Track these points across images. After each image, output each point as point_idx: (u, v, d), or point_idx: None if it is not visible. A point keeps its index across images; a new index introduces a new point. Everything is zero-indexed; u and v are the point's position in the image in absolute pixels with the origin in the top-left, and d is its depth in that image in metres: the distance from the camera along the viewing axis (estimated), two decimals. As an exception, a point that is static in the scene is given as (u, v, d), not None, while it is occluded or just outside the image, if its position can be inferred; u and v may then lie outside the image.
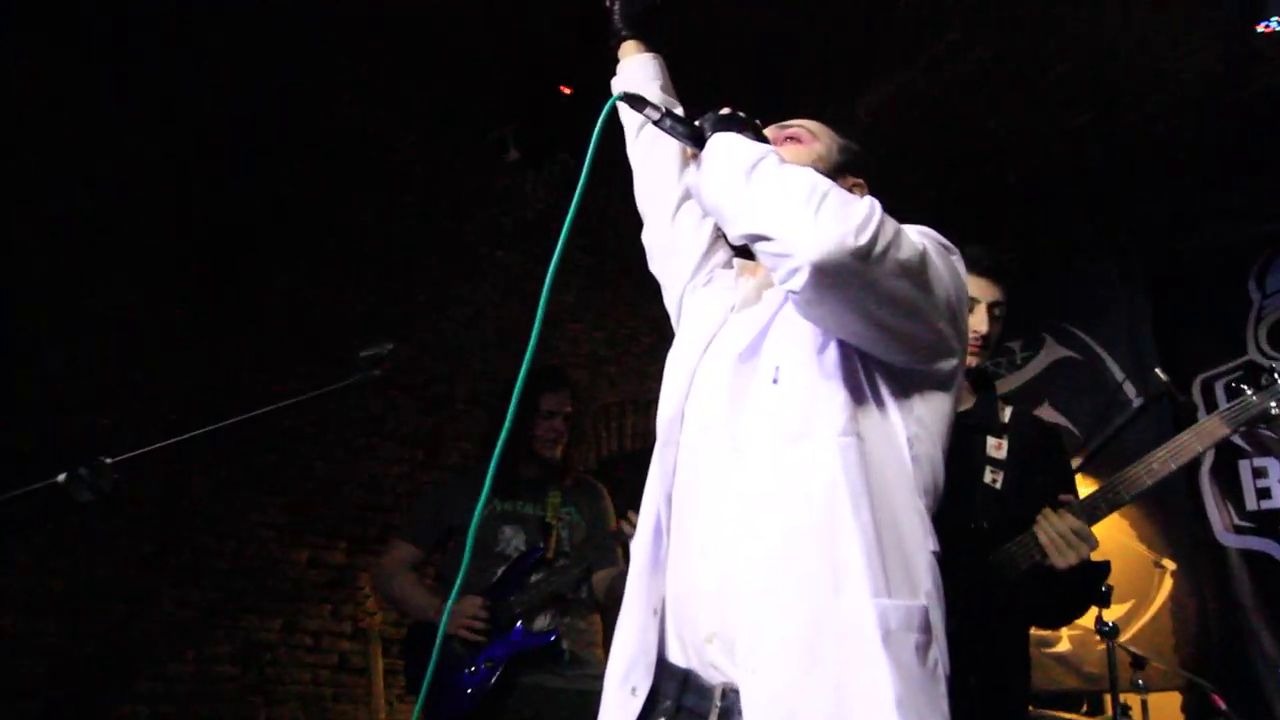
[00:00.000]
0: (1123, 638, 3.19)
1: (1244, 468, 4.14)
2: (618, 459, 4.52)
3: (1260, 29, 3.37)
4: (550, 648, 2.65)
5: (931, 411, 1.27)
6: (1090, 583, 1.93)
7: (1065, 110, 4.07)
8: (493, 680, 2.63)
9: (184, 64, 3.04)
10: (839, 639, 1.11)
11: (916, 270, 1.17)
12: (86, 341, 3.29)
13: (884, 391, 1.25)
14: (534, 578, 2.72)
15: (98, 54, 2.94)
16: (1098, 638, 3.63)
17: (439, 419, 4.12)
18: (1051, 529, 1.79)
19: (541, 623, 2.70)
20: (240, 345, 3.60)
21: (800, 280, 1.12)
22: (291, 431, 3.70)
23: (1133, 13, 3.51)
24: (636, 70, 1.68)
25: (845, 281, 1.12)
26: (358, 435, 3.92)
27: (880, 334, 1.20)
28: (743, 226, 1.19)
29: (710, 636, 1.20)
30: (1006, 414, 2.08)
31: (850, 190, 1.38)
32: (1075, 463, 4.78)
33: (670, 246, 1.61)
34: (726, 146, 1.25)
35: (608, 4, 1.72)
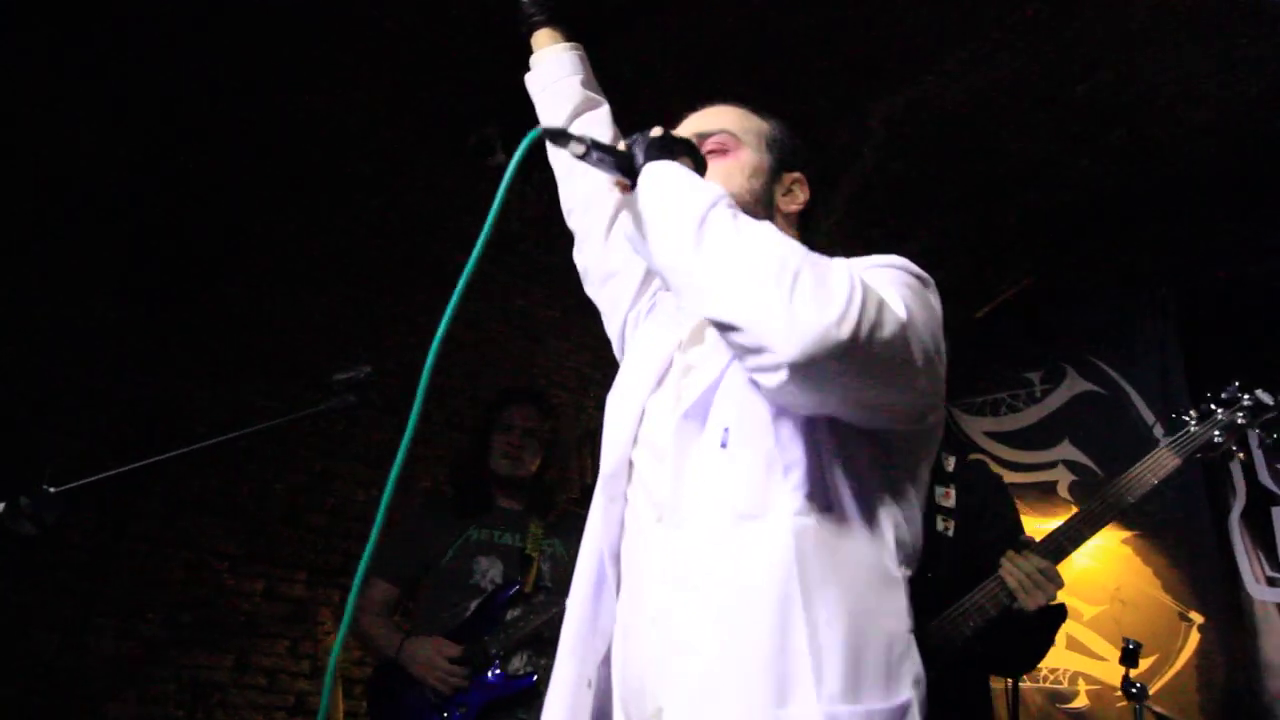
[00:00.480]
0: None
1: (1277, 515, 4.08)
2: None
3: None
4: (528, 692, 2.61)
5: (911, 469, 1.22)
6: (1054, 624, 1.99)
7: (1093, 129, 4.04)
8: None
9: (140, 68, 2.99)
10: None
11: (900, 343, 1.09)
12: (30, 353, 3.22)
13: (856, 456, 1.17)
14: (510, 614, 2.69)
15: (49, 56, 2.88)
16: (1117, 694, 3.55)
17: (412, 440, 4.02)
18: (1019, 571, 1.86)
19: (518, 664, 2.66)
20: (194, 358, 3.53)
21: (777, 378, 1.05)
22: (248, 452, 3.63)
23: (1167, 29, 3.47)
24: (553, 65, 1.63)
25: (831, 378, 1.05)
26: (321, 457, 3.85)
27: (860, 412, 1.14)
28: (701, 306, 1.11)
29: (657, 713, 1.15)
30: (951, 463, 2.17)
31: (790, 189, 1.39)
32: (1096, 503, 4.71)
33: (606, 269, 1.55)
34: (663, 187, 1.17)
35: None
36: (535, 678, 2.62)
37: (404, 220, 3.65)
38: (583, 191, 1.55)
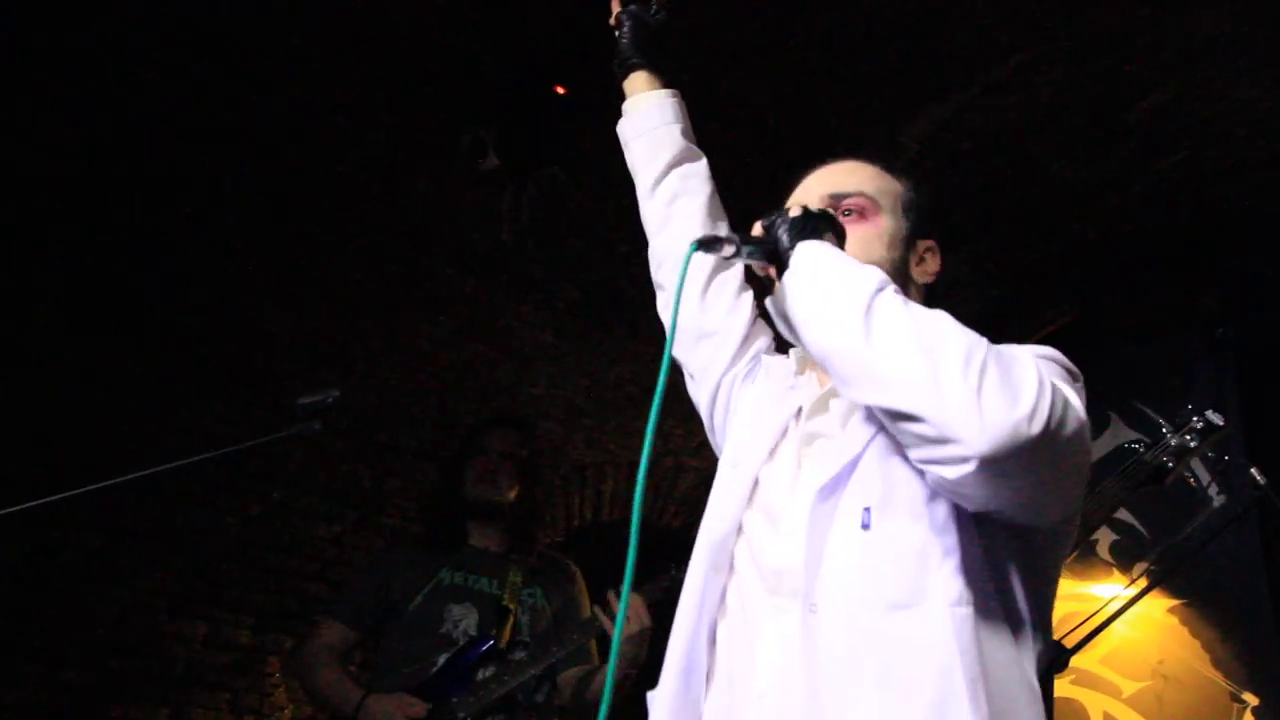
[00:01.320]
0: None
1: None
2: (590, 530, 4.40)
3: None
4: None
5: (1054, 557, 1.27)
6: None
7: (1147, 154, 4.00)
8: None
9: (110, 62, 2.97)
10: None
11: (1079, 442, 1.15)
12: None
13: (1001, 545, 1.22)
14: (483, 674, 2.63)
15: (20, 49, 2.86)
16: None
17: (378, 471, 4.07)
18: None
19: None
20: (145, 377, 3.51)
21: (962, 471, 1.09)
22: (198, 479, 3.62)
23: (1231, 51, 3.43)
24: (653, 112, 1.66)
25: (1014, 473, 1.10)
26: (278, 486, 3.83)
27: (1025, 509, 1.18)
28: (873, 398, 1.15)
29: None
30: None
31: (923, 258, 1.45)
32: (1140, 568, 4.57)
33: (702, 329, 1.57)
34: (820, 268, 1.22)
35: (614, 27, 1.70)
36: None
37: (383, 230, 3.65)
38: (675, 248, 1.58)
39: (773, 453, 1.38)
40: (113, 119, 3.14)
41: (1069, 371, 1.26)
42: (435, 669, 2.63)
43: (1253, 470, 2.33)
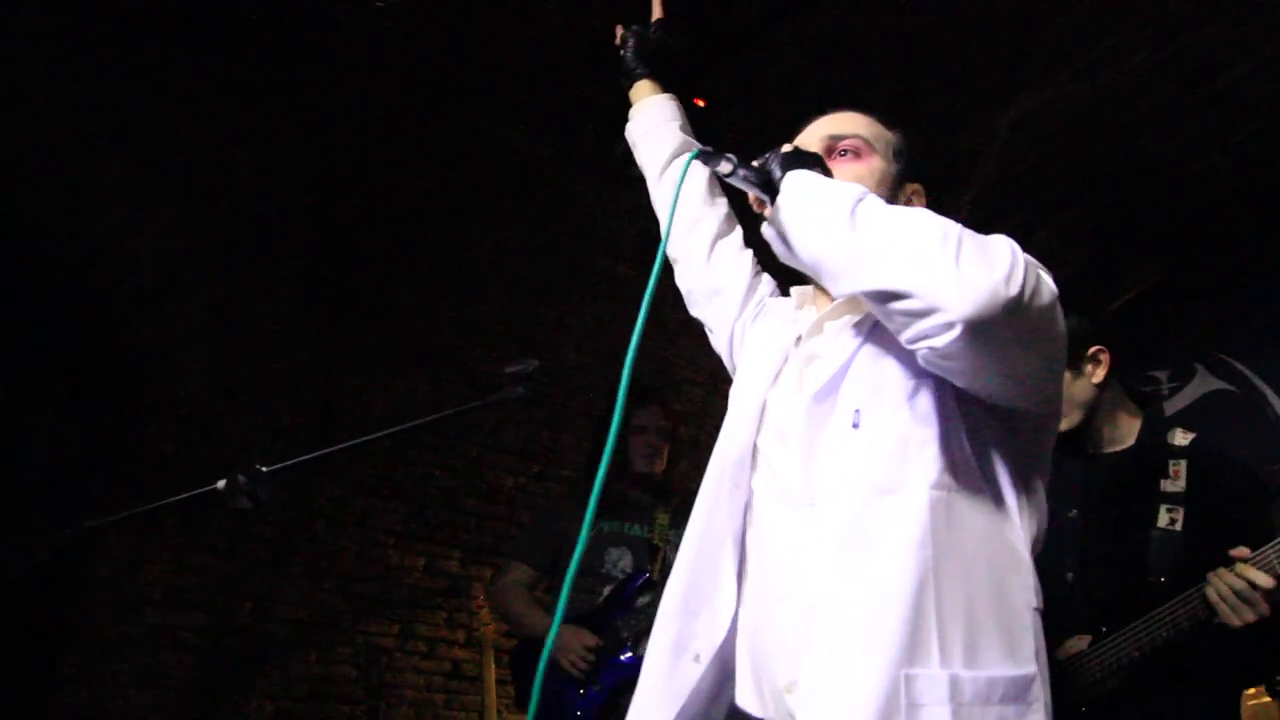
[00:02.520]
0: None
1: None
2: None
3: None
4: None
5: (1039, 447, 1.22)
6: (1268, 637, 1.66)
7: (1228, 124, 3.82)
8: (600, 704, 2.64)
9: (320, 79, 3.10)
10: (910, 710, 1.06)
11: (1051, 309, 1.10)
12: (234, 358, 3.40)
13: (985, 433, 1.17)
14: (641, 601, 2.71)
15: (236, 68, 3.02)
16: None
17: (554, 432, 4.13)
18: (1223, 586, 1.60)
19: (643, 650, 2.64)
20: (365, 355, 3.65)
21: (948, 338, 1.04)
22: (411, 442, 3.74)
23: None
24: (654, 112, 1.66)
25: (996, 336, 1.05)
26: (474, 446, 3.93)
27: (1013, 384, 1.14)
28: (864, 282, 1.10)
29: (790, 685, 1.16)
30: (1182, 438, 1.84)
31: (909, 200, 1.38)
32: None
33: (711, 286, 1.56)
34: (808, 189, 1.18)
35: (619, 45, 1.72)
36: None
37: (554, 231, 3.71)
38: (684, 219, 1.57)
39: (776, 377, 1.33)
40: (340, 150, 3.30)
41: (1043, 270, 1.18)
42: (600, 600, 2.74)
43: None
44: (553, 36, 3.09)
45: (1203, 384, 4.40)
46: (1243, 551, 1.64)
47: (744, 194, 1.31)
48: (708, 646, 1.24)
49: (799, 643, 1.15)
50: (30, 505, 3.14)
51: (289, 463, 1.87)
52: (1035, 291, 1.05)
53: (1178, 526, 1.78)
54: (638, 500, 2.86)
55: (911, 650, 1.07)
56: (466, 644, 3.90)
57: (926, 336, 1.06)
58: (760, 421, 1.30)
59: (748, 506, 1.27)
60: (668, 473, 2.90)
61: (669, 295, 4.42)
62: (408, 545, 3.79)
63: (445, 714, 3.82)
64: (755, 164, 1.25)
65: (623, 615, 2.69)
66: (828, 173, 1.25)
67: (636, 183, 3.51)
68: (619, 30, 1.74)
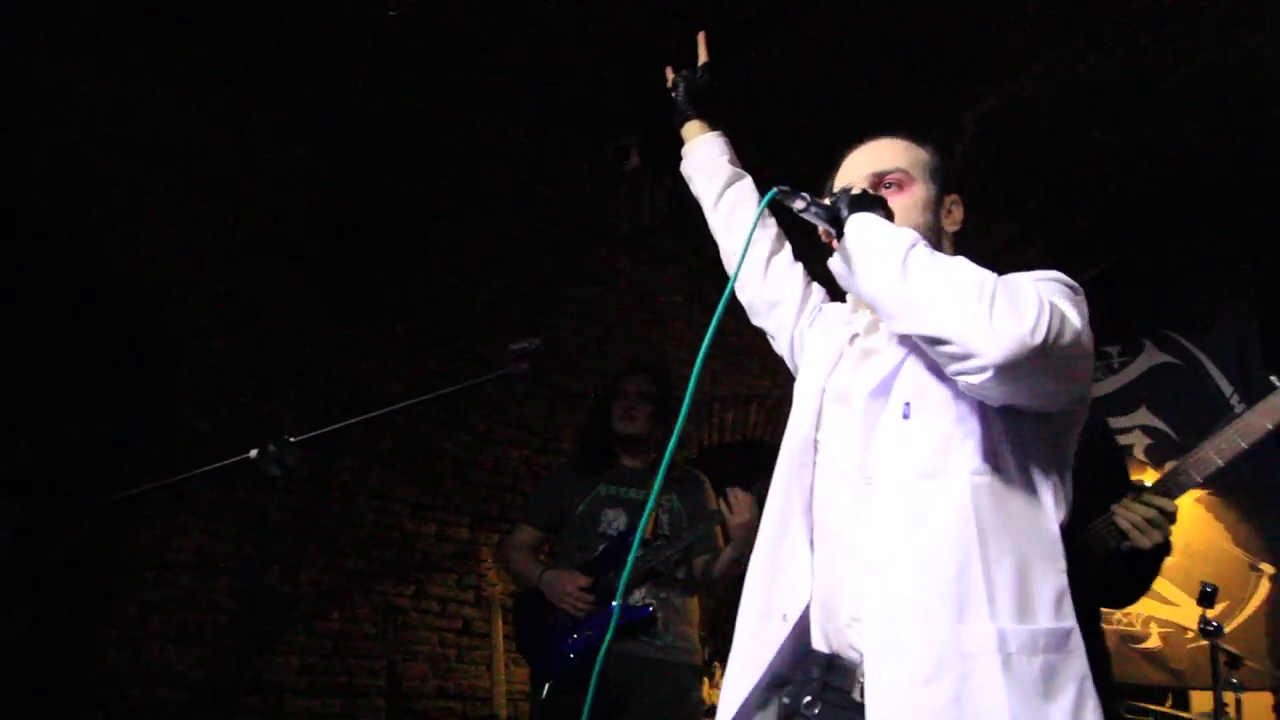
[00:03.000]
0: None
1: None
2: (716, 450, 4.49)
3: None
4: (645, 620, 2.68)
5: (1067, 439, 1.28)
6: (1159, 558, 1.86)
7: (1178, 119, 3.88)
8: (586, 647, 2.70)
9: (334, 83, 3.12)
10: (961, 659, 1.14)
11: (1076, 344, 1.17)
12: (246, 334, 3.43)
13: (1022, 430, 1.25)
14: (631, 557, 2.75)
15: (257, 74, 3.03)
16: (1191, 636, 3.47)
17: (554, 408, 4.16)
18: (1134, 513, 1.77)
19: (637, 597, 2.73)
20: (379, 338, 3.69)
21: (982, 378, 1.14)
22: (424, 416, 3.77)
23: (1252, 26, 3.33)
24: (705, 149, 1.72)
25: (1025, 375, 1.14)
26: (482, 421, 3.98)
27: (1043, 400, 1.22)
28: (912, 326, 1.20)
29: (850, 621, 1.25)
30: None
31: (950, 210, 1.45)
32: (1169, 466, 4.57)
33: (769, 299, 1.61)
34: (869, 233, 1.26)
35: (670, 88, 1.76)
36: (651, 608, 2.69)
37: (553, 223, 3.74)
38: (740, 243, 1.59)
39: (835, 367, 1.41)
40: (354, 149, 3.32)
41: (1069, 287, 1.27)
42: (596, 555, 2.78)
43: (1272, 378, 2.17)
44: (552, 39, 3.12)
45: (1150, 358, 4.51)
46: (1141, 480, 1.84)
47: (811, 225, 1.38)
48: (793, 606, 1.32)
49: (861, 589, 1.24)
50: (69, 484, 3.18)
51: (314, 434, 1.92)
52: (1059, 333, 1.13)
53: None
54: (633, 466, 2.92)
55: (962, 609, 1.16)
56: (475, 603, 3.97)
57: (964, 374, 1.16)
58: (820, 411, 1.38)
59: (813, 485, 1.36)
60: (652, 434, 2.92)
61: (661, 278, 4.43)
62: (421, 514, 3.84)
63: (457, 667, 3.91)
64: (826, 202, 1.33)
65: (614, 569, 2.74)
66: (889, 213, 1.32)
67: (629, 179, 3.58)
68: (669, 74, 1.79)
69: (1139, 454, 4.44)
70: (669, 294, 4.09)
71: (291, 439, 1.77)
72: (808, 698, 1.28)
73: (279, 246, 3.40)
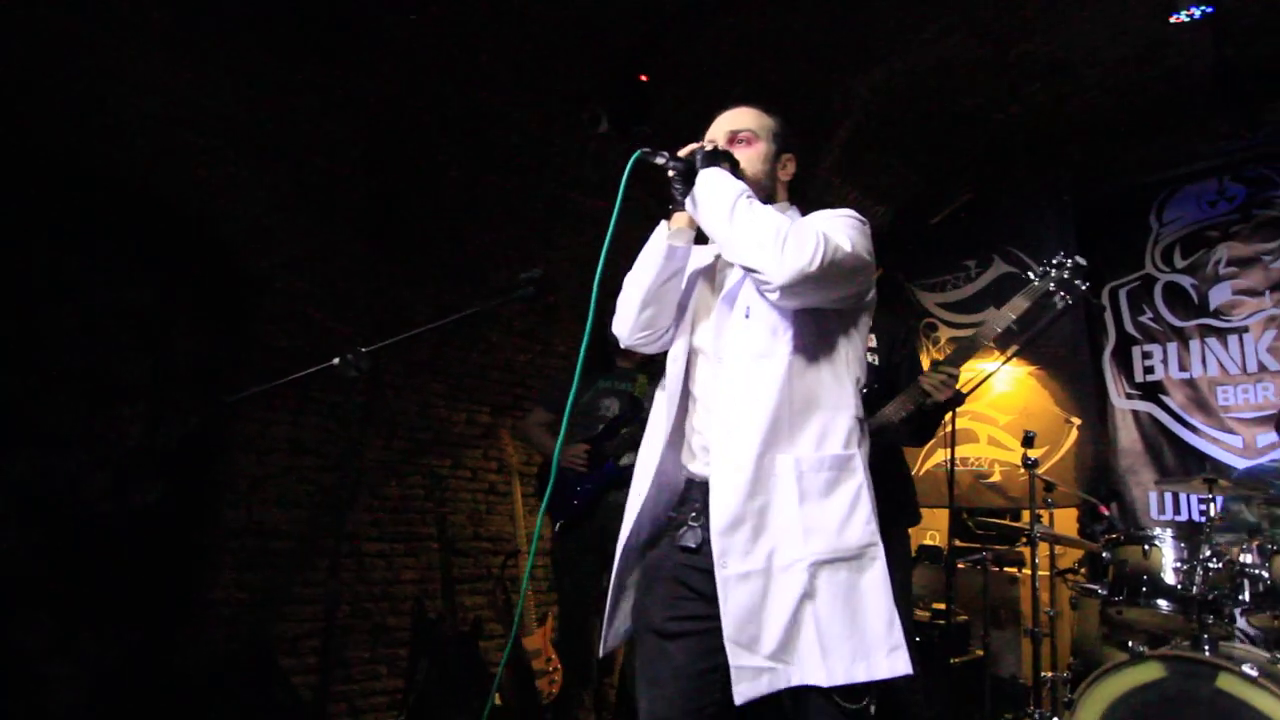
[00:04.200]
0: (1039, 471, 3.60)
1: (1135, 351, 4.47)
2: None
3: (1172, 20, 3.57)
4: (627, 477, 3.00)
5: (856, 328, 1.49)
6: (950, 407, 2.29)
7: (1021, 83, 4.20)
8: (592, 494, 3.00)
9: (369, 68, 3.22)
10: (769, 477, 1.37)
11: (852, 262, 1.39)
12: (312, 271, 3.61)
13: (823, 319, 1.45)
14: (624, 431, 3.03)
15: (307, 60, 3.12)
16: (1021, 471, 4.11)
17: (549, 324, 4.39)
18: (934, 378, 2.18)
19: (628, 459, 2.98)
20: (411, 272, 3.83)
21: (774, 296, 1.37)
22: (451, 332, 3.95)
23: (1077, 7, 3.63)
24: (682, 256, 1.56)
25: (805, 293, 1.37)
26: (495, 334, 4.19)
27: (829, 303, 1.45)
28: (734, 257, 1.40)
29: (703, 449, 1.49)
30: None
31: (785, 165, 1.57)
32: (1011, 350, 5.11)
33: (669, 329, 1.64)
34: (713, 184, 1.40)
35: (666, 167, 1.51)
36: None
37: (542, 177, 3.89)
38: (663, 328, 1.61)
39: (703, 288, 1.58)
40: (386, 122, 3.45)
41: (858, 219, 1.44)
42: (597, 432, 3.06)
43: (1077, 281, 2.31)
44: (537, 28, 3.28)
45: (997, 269, 4.90)
46: (936, 359, 2.27)
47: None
48: (655, 441, 1.55)
49: (715, 439, 1.44)
50: (180, 390, 3.38)
51: (380, 344, 2.10)
52: (832, 261, 1.32)
53: (876, 361, 2.41)
54: (626, 367, 3.16)
55: (772, 442, 1.37)
56: (498, 471, 4.22)
57: (765, 292, 1.38)
58: (694, 318, 1.56)
59: (688, 369, 1.54)
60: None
61: (629, 228, 4.72)
62: (453, 404, 4.06)
63: (487, 518, 4.22)
64: (682, 154, 1.46)
65: (610, 440, 3.04)
66: (735, 164, 1.48)
67: (599, 139, 3.81)
68: (661, 158, 1.52)
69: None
70: (633, 228, 4.36)
71: (364, 349, 1.93)
72: (692, 513, 1.46)
73: (335, 204, 3.54)
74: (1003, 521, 4.26)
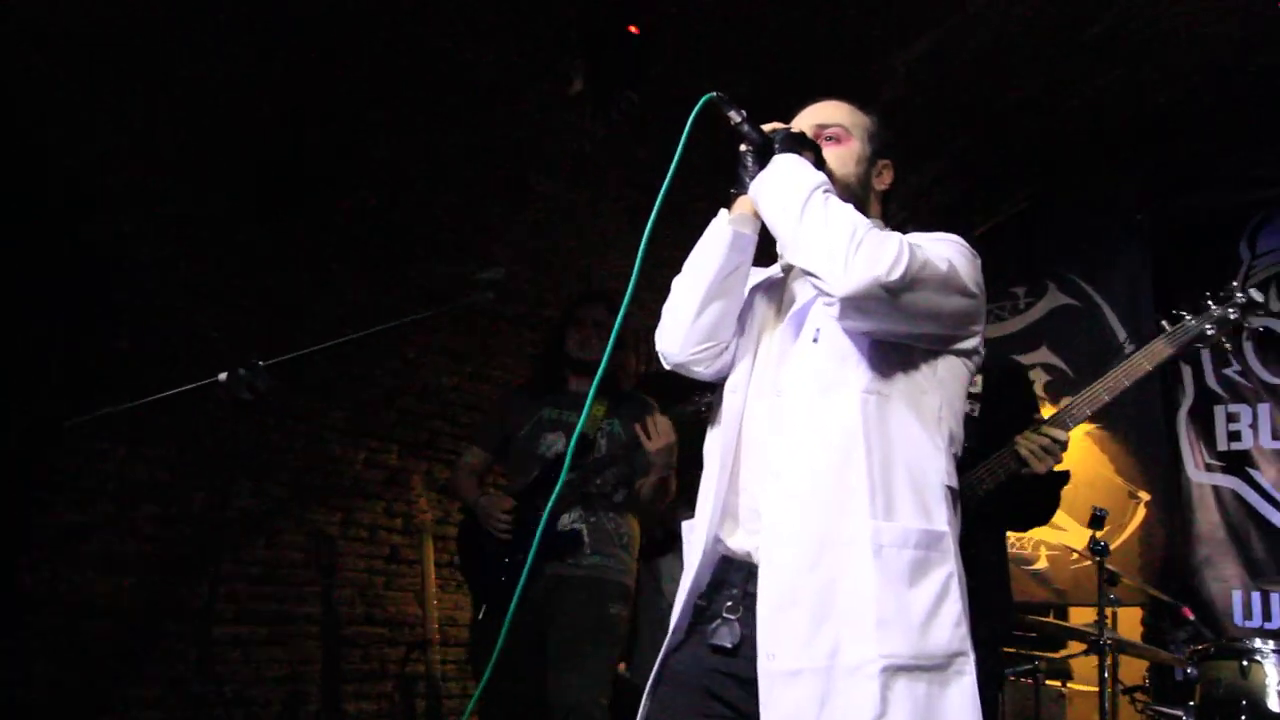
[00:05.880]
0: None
1: (1219, 412, 4.52)
2: (648, 378, 4.71)
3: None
4: (570, 542, 2.89)
5: (953, 377, 1.50)
6: (1059, 485, 2.23)
7: (1093, 68, 4.22)
8: (519, 569, 2.87)
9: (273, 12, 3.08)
10: (839, 547, 1.37)
11: (944, 285, 1.41)
12: (174, 254, 3.41)
13: (912, 360, 1.47)
14: (569, 477, 2.91)
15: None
16: (1074, 557, 3.97)
17: (485, 337, 4.28)
18: (1032, 443, 2.09)
19: (566, 520, 2.91)
20: (313, 260, 3.72)
21: (833, 310, 1.39)
22: (354, 342, 3.82)
23: None
24: (748, 246, 1.60)
25: (877, 311, 1.38)
26: (412, 348, 4.07)
27: (911, 335, 1.45)
28: (794, 257, 1.44)
29: (754, 515, 1.47)
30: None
31: (881, 172, 1.64)
32: (1065, 401, 5.11)
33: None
34: (787, 169, 1.44)
35: (743, 137, 1.55)
36: (578, 531, 2.89)
37: (492, 145, 3.78)
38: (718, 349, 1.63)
39: (764, 304, 1.62)
40: (285, 60, 3.25)
41: (965, 246, 1.49)
42: (531, 479, 2.99)
43: (1163, 323, 2.21)
44: None
45: (1052, 299, 4.97)
46: (1040, 416, 2.17)
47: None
48: (703, 515, 1.53)
49: (766, 495, 1.45)
50: None
51: (286, 357, 2.01)
52: (915, 279, 1.35)
53: (976, 413, 2.30)
54: (579, 391, 3.09)
55: (844, 504, 1.38)
56: (404, 530, 4.11)
57: (825, 305, 1.41)
58: (757, 343, 1.59)
59: (744, 405, 1.55)
60: (609, 367, 3.14)
61: (600, 206, 4.56)
62: (350, 440, 3.94)
63: (384, 594, 4.07)
64: (764, 129, 1.50)
65: (546, 492, 2.86)
66: (820, 160, 1.51)
67: (572, 102, 3.66)
68: (738, 115, 1.55)
69: (1038, 390, 4.94)
70: (605, 224, 4.25)
71: (263, 363, 1.85)
72: (729, 602, 1.47)
73: (210, 165, 3.35)
74: (1050, 620, 4.16)
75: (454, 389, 4.27)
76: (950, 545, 1.41)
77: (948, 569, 1.39)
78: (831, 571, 1.36)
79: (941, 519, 1.42)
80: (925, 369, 1.47)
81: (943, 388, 1.48)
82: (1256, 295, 2.11)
